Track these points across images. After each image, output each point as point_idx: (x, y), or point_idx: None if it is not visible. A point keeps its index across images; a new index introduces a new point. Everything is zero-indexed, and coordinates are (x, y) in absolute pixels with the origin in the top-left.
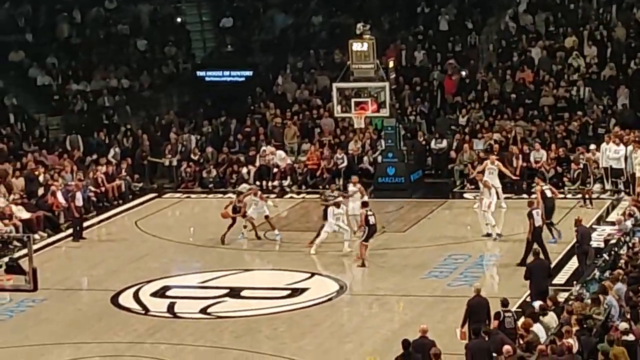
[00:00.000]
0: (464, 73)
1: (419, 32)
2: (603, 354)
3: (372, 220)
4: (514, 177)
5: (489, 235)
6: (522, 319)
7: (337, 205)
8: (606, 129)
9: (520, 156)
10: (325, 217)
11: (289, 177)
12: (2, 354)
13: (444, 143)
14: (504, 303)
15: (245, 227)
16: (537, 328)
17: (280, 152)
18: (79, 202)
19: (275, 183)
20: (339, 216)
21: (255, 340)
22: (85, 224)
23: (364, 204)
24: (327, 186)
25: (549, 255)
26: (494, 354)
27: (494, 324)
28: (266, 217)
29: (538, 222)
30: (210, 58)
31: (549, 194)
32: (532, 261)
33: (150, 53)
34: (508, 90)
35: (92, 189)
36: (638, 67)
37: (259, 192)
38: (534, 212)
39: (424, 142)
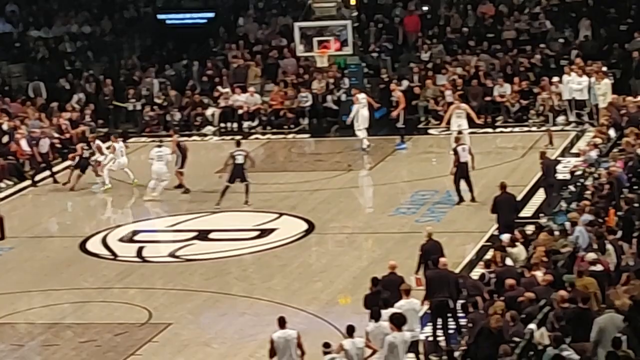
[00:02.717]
0: (425, 8)
1: None
2: (570, 285)
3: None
4: (477, 120)
5: None
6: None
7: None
8: (569, 60)
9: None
10: None
11: (256, 119)
12: None
13: (404, 85)
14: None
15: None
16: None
17: (257, 95)
18: (44, 148)
19: (245, 125)
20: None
21: (224, 282)
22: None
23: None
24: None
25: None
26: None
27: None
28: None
29: (464, 158)
30: (171, 1)
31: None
32: (500, 195)
33: None
34: (470, 25)
35: (56, 135)
36: None
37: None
38: (459, 148)
39: (387, 79)
